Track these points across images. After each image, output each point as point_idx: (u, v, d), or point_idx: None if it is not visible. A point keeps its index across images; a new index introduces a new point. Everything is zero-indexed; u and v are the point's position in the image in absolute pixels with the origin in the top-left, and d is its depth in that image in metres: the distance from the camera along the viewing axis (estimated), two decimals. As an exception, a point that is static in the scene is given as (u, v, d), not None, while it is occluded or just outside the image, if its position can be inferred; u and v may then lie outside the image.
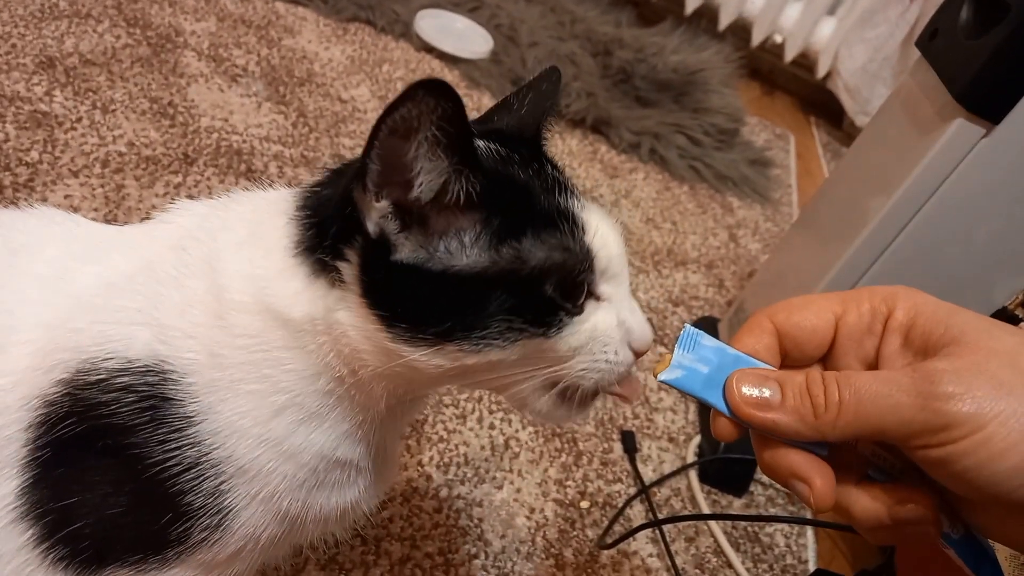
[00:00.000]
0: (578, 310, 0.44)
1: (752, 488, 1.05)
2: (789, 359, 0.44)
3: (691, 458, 1.05)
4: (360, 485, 0.50)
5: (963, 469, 0.34)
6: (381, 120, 0.36)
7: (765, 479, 1.06)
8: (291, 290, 0.42)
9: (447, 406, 0.97)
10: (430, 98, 0.35)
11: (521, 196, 0.43)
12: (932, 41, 0.88)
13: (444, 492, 0.88)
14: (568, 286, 0.43)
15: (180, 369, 0.42)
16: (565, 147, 1.57)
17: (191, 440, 0.42)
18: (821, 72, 2.10)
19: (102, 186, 1.02)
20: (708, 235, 1.52)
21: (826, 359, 0.44)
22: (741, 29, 2.11)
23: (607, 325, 0.45)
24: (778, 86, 2.29)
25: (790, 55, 2.10)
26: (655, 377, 0.45)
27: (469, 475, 0.91)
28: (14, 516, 0.42)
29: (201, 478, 0.42)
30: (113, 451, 0.41)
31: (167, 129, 1.15)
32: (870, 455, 0.42)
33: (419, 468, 0.89)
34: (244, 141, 1.20)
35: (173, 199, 0.90)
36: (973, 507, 0.39)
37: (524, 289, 0.41)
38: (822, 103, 2.20)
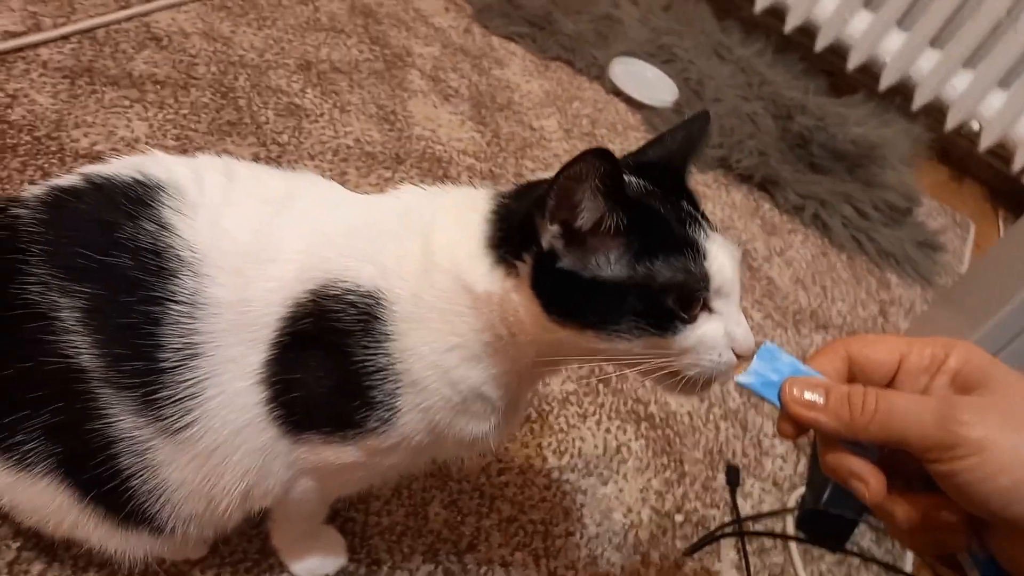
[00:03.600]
0: (692, 319, 0.54)
1: (848, 548, 1.08)
2: (853, 383, 0.53)
3: (792, 506, 1.10)
4: (492, 422, 0.63)
5: (964, 482, 0.42)
6: (561, 171, 0.50)
7: (864, 543, 1.09)
8: (479, 271, 0.57)
9: (571, 404, 1.09)
10: (596, 161, 0.49)
11: (658, 226, 0.55)
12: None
13: (555, 474, 1.00)
14: (686, 299, 0.54)
15: (389, 299, 0.58)
16: (728, 199, 1.65)
17: (384, 351, 0.57)
18: (1018, 165, 2.02)
19: (330, 170, 1.25)
20: (857, 305, 1.54)
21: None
22: (936, 111, 2.08)
23: (715, 333, 0.55)
24: (968, 173, 2.22)
25: (985, 144, 2.04)
26: (734, 379, 0.56)
27: (579, 466, 1.02)
28: (256, 379, 0.59)
29: (384, 380, 0.58)
30: (331, 347, 0.58)
31: (387, 132, 1.38)
32: (914, 470, 0.50)
33: (537, 449, 1.02)
34: (445, 151, 1.40)
35: (382, 190, 1.09)
36: (987, 530, 0.46)
37: (651, 298, 0.53)
38: (1015, 196, 2.12)
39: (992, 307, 0.95)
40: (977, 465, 0.42)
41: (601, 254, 0.54)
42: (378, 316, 0.57)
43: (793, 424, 0.51)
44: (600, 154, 0.49)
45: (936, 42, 1.99)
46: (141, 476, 0.61)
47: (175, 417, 0.59)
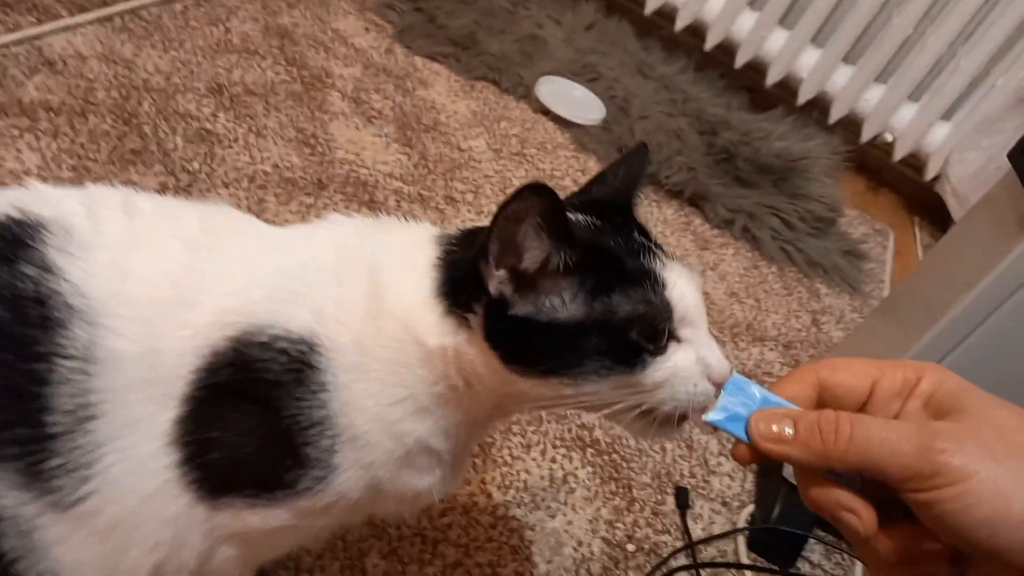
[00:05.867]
0: (660, 351, 0.51)
1: (799, 564, 1.06)
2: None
3: (742, 525, 1.08)
4: (437, 475, 0.58)
5: (943, 512, 0.40)
6: (498, 212, 0.47)
7: (813, 556, 1.07)
8: (429, 322, 0.53)
9: (514, 435, 1.04)
10: (534, 197, 0.46)
11: (610, 260, 0.52)
12: (1022, 154, 0.92)
13: (501, 511, 0.95)
14: (651, 332, 0.51)
15: (327, 346, 0.52)
16: (660, 215, 1.64)
17: (321, 403, 0.51)
18: (930, 175, 2.10)
19: (247, 198, 1.18)
20: (791, 316, 1.55)
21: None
22: (852, 123, 2.14)
23: (687, 363, 0.51)
24: (884, 183, 2.29)
25: (899, 154, 2.11)
26: (702, 418, 0.52)
27: (526, 500, 0.97)
28: (167, 440, 0.52)
29: (320, 436, 0.52)
30: (257, 400, 0.51)
31: (307, 156, 1.31)
32: (893, 498, 0.47)
33: (481, 486, 0.96)
34: (371, 175, 1.34)
35: (304, 217, 1.02)
36: (969, 564, 0.44)
37: (614, 334, 0.50)
38: (929, 205, 2.19)
39: (930, 318, 0.95)
40: (957, 495, 0.39)
41: (555, 295, 0.50)
42: (314, 365, 0.52)
43: (749, 449, 0.47)
44: (536, 189, 0.46)
45: (849, 58, 2.05)
46: (27, 560, 0.53)
47: (68, 489, 0.51)
